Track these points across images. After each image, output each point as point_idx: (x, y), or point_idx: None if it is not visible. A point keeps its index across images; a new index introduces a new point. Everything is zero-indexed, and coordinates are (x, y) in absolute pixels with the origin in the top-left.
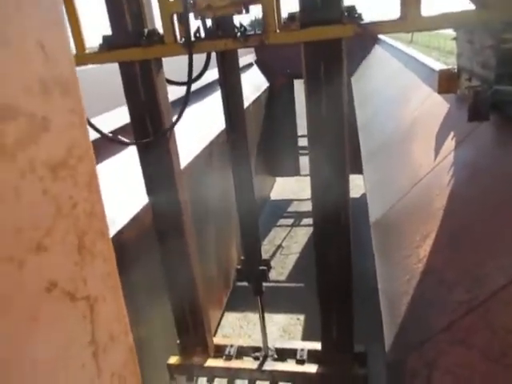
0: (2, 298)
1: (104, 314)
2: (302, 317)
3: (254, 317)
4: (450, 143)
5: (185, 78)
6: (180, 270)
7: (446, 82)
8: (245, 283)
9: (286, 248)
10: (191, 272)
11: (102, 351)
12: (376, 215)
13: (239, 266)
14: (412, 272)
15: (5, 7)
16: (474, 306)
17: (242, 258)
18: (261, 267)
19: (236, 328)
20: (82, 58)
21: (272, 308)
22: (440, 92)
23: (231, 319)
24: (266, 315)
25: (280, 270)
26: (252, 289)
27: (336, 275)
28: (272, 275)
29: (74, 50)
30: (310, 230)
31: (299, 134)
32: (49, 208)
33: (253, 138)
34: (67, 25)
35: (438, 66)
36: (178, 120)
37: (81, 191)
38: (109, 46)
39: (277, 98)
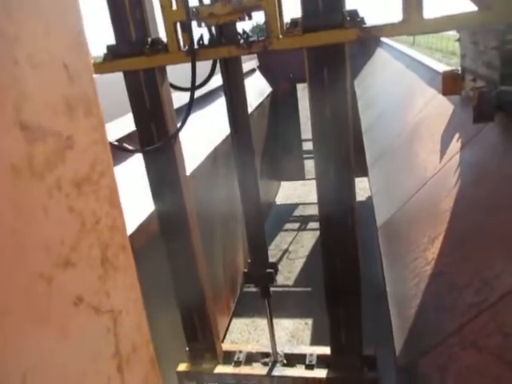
0: (34, 314)
1: (127, 326)
2: (309, 321)
3: (262, 322)
4: (455, 145)
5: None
6: (187, 276)
7: (450, 84)
8: (252, 288)
9: (292, 252)
10: (198, 278)
11: (125, 363)
12: (383, 218)
13: (246, 270)
14: (420, 275)
15: (34, 32)
16: (484, 309)
17: (249, 261)
18: (268, 270)
19: (244, 334)
20: None
21: (280, 313)
22: (444, 93)
23: (239, 325)
24: (274, 320)
25: (287, 275)
26: (259, 292)
27: (343, 279)
28: (279, 280)
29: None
30: (317, 233)
31: (304, 137)
32: (74, 224)
33: (257, 142)
34: (88, 46)
35: (441, 67)
36: (182, 126)
37: (103, 205)
38: (113, 55)
39: (280, 103)
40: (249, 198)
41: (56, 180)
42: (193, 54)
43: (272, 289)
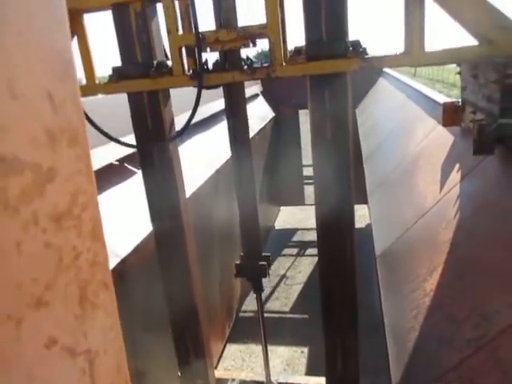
0: None
1: (104, 367)
2: (306, 349)
3: (256, 348)
4: (455, 176)
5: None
6: (182, 298)
7: (450, 115)
8: (248, 313)
9: (290, 278)
10: (194, 301)
11: None
12: (381, 248)
13: (238, 262)
14: (419, 307)
15: (12, 59)
16: (483, 344)
17: (241, 254)
18: (260, 262)
19: (238, 360)
20: (93, 88)
21: (275, 340)
22: (444, 125)
23: (233, 351)
24: (269, 347)
25: (284, 301)
26: (251, 286)
27: (341, 307)
28: (276, 306)
29: (83, 81)
30: (315, 259)
31: (305, 163)
32: (51, 260)
33: (258, 166)
34: (76, 74)
35: (441, 98)
36: (181, 133)
37: (84, 240)
38: (118, 76)
39: (282, 128)
40: (244, 190)
41: (32, 214)
42: (200, 78)
43: (268, 315)
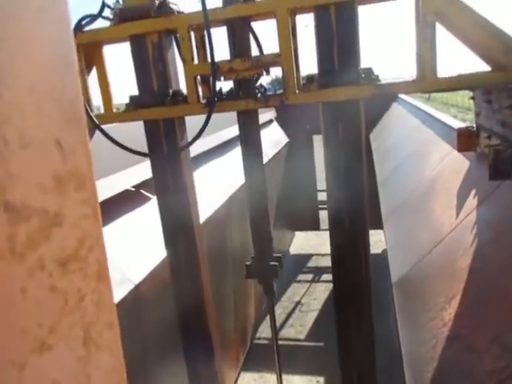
0: None
1: None
2: (321, 379)
3: (271, 377)
4: (471, 201)
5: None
6: (196, 325)
7: (465, 140)
8: (263, 341)
9: (305, 305)
10: (207, 328)
11: None
12: (398, 274)
13: (248, 263)
14: (437, 336)
15: (24, 111)
16: (504, 377)
17: (252, 255)
18: (272, 263)
19: None
20: (110, 116)
21: (290, 368)
22: (459, 150)
23: (247, 379)
24: (284, 376)
25: (299, 328)
26: (262, 288)
27: (357, 335)
28: (291, 333)
29: (101, 110)
30: (330, 285)
31: (319, 187)
32: (55, 304)
33: (272, 192)
34: (84, 119)
35: (456, 123)
36: (191, 143)
37: (89, 282)
38: (135, 105)
39: (296, 153)
40: (254, 185)
41: (38, 259)
42: (211, 107)
43: (283, 342)
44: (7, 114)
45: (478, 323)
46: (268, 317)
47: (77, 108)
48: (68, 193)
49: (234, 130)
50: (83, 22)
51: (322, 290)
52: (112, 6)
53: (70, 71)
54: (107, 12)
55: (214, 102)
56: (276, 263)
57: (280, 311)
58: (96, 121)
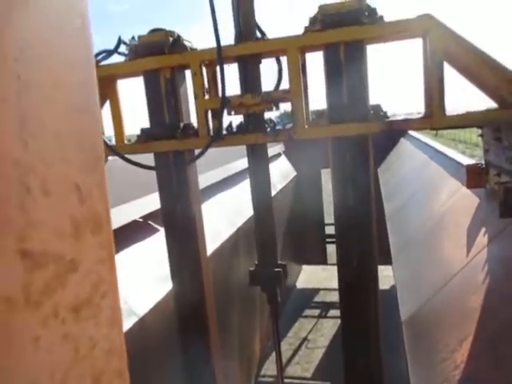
0: None
1: None
2: None
3: None
4: (482, 239)
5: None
6: (200, 362)
7: (474, 177)
8: (268, 378)
9: (311, 341)
10: (212, 365)
11: None
12: (407, 312)
13: (252, 269)
14: (449, 380)
15: (47, 160)
16: None
17: (256, 262)
18: (276, 269)
19: None
20: (122, 148)
21: None
22: (469, 186)
23: None
24: None
25: (305, 366)
26: (266, 296)
27: (365, 374)
28: (297, 371)
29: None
30: (338, 321)
31: (327, 221)
32: (67, 353)
33: (280, 225)
34: (103, 161)
35: (464, 159)
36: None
37: (102, 328)
38: (146, 137)
39: (304, 187)
40: (262, 216)
41: (53, 307)
42: (214, 139)
43: (288, 381)
44: (31, 163)
45: (491, 366)
46: (274, 353)
47: (97, 150)
48: (85, 237)
49: (243, 163)
50: (99, 57)
51: (330, 326)
52: (128, 42)
53: (92, 114)
54: (122, 48)
55: (221, 135)
56: (280, 269)
57: (286, 347)
58: (115, 150)
